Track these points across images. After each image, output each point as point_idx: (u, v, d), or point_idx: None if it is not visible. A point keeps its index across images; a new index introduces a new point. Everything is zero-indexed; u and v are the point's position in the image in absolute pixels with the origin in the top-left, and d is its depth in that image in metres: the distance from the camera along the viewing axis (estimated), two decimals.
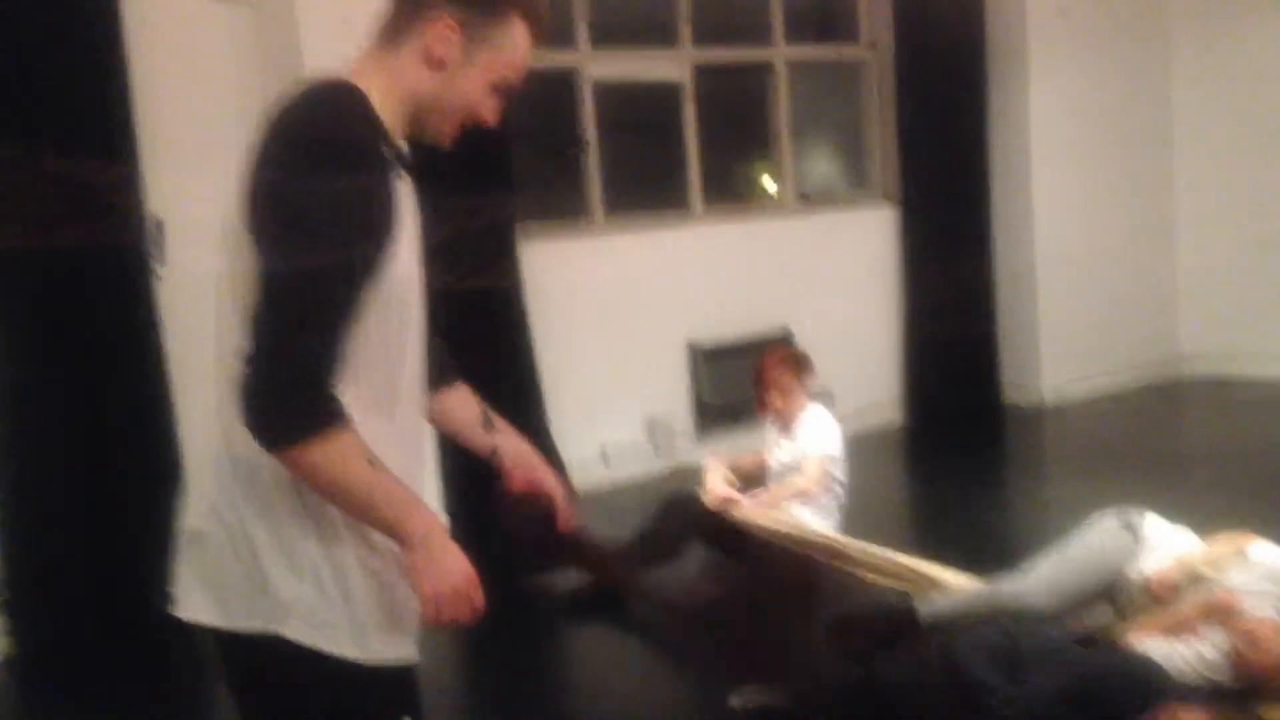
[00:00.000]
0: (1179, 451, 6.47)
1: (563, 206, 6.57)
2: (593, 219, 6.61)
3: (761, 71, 7.22)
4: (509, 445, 1.99)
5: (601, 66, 6.57)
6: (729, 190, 7.38)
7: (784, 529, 4.31)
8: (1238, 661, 3.21)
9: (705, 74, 6.91)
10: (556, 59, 6.49)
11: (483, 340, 5.84)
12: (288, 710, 1.68)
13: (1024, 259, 7.57)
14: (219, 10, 5.14)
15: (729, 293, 6.84)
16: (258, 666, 1.65)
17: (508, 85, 1.71)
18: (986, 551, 4.23)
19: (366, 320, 1.57)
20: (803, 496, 4.47)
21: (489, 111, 1.72)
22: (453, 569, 1.62)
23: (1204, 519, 3.92)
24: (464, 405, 1.99)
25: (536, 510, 1.96)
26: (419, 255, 1.71)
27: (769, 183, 7.53)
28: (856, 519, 4.60)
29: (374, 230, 1.54)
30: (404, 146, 1.67)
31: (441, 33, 1.64)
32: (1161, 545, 3.63)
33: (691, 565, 4.60)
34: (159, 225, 4.75)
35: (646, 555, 4.61)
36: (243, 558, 1.61)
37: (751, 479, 4.70)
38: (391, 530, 1.60)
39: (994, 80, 7.48)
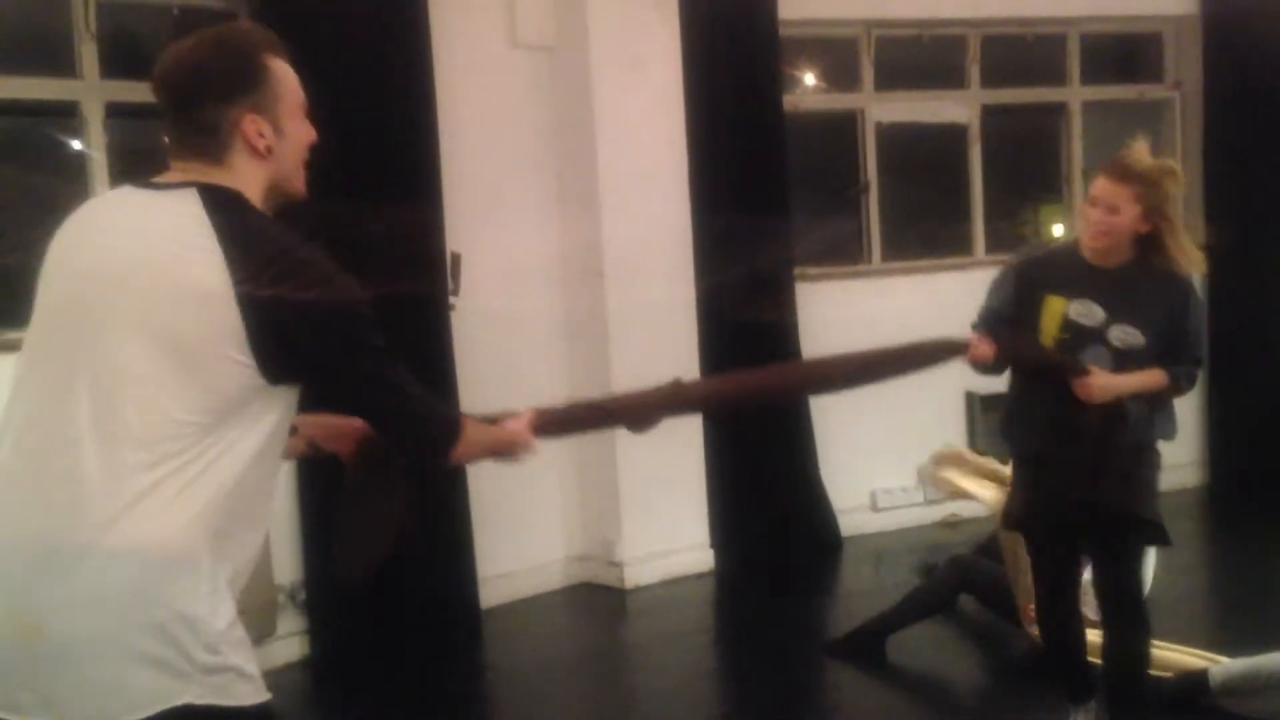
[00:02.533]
0: None
1: (841, 247, 6.53)
2: (870, 260, 6.53)
3: (1054, 112, 6.95)
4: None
5: (885, 108, 6.51)
6: (1014, 234, 7.12)
7: None
8: None
9: (993, 114, 6.72)
10: (840, 100, 6.47)
11: None
12: None
13: None
14: (517, 55, 5.43)
15: None
16: None
17: (306, 104, 1.85)
18: None
19: None
20: None
21: (311, 133, 1.86)
22: (504, 433, 2.04)
23: None
24: None
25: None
26: None
27: (1058, 227, 7.22)
28: (1159, 592, 4.26)
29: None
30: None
31: (252, 129, 1.75)
32: None
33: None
34: (456, 258, 5.01)
35: (919, 613, 4.52)
36: (114, 648, 1.58)
37: None
38: (491, 451, 2.02)
39: None
